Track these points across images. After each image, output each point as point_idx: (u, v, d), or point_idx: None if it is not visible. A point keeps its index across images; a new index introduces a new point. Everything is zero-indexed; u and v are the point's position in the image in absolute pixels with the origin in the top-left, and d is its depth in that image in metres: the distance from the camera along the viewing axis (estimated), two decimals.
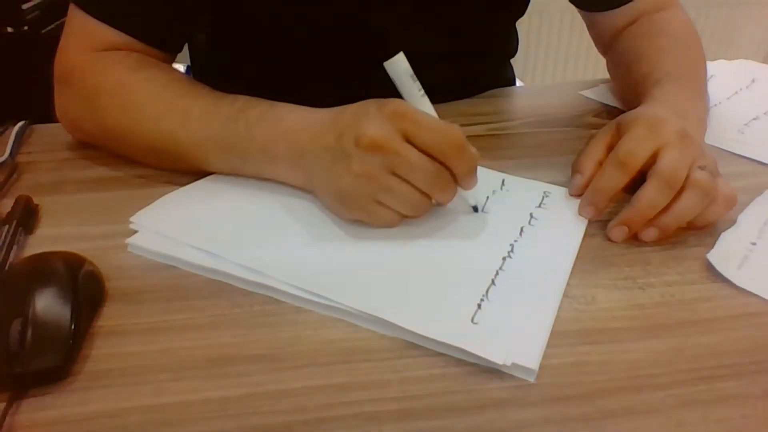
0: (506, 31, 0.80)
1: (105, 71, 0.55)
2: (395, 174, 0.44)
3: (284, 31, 0.66)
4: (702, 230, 0.49)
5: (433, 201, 0.47)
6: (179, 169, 0.54)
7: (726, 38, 1.92)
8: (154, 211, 0.49)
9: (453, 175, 0.45)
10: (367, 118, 0.43)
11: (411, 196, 0.45)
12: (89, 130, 0.58)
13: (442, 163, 0.44)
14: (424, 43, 0.68)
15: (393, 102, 0.44)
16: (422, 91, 0.46)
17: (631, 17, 0.69)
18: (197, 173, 0.53)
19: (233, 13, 0.69)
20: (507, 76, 0.86)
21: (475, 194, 0.49)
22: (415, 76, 0.45)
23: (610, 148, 0.50)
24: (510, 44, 0.82)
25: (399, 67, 0.44)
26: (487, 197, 0.52)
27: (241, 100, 0.52)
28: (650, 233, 0.47)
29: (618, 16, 0.69)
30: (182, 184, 0.53)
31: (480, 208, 0.50)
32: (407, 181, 0.44)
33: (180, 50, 0.63)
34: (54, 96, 0.58)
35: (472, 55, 0.73)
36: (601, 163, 0.51)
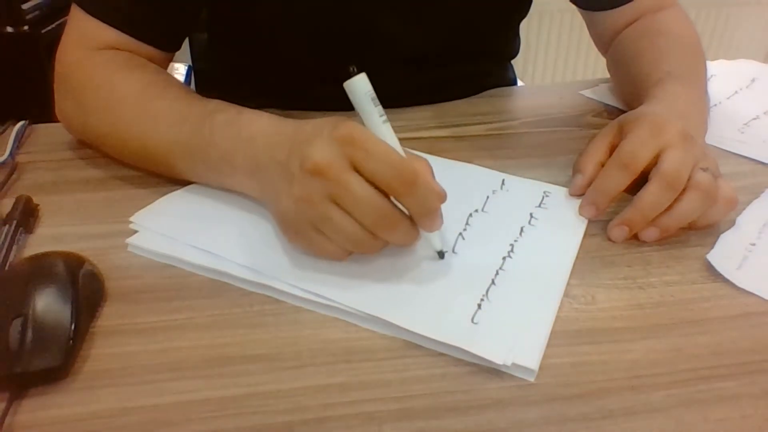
0: (508, 32, 0.80)
1: (92, 70, 0.56)
2: (336, 203, 0.40)
3: (283, 32, 0.66)
4: (702, 230, 0.49)
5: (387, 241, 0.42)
6: (155, 172, 0.54)
7: (726, 38, 1.92)
8: (154, 211, 0.49)
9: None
10: (317, 139, 0.40)
11: (351, 229, 0.40)
12: (79, 128, 0.59)
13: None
14: (426, 42, 0.68)
15: (347, 125, 0.40)
16: (384, 116, 0.41)
17: (631, 17, 0.69)
18: (174, 179, 0.53)
19: (231, 13, 0.69)
20: (508, 77, 0.86)
21: (442, 236, 0.45)
22: (377, 99, 0.41)
23: (612, 148, 0.50)
24: (511, 45, 0.82)
25: (359, 88, 0.40)
26: (487, 197, 0.52)
27: (212, 105, 0.51)
28: (651, 233, 0.47)
29: (618, 15, 0.69)
30: (182, 185, 0.52)
31: (446, 253, 0.45)
32: (349, 210, 0.40)
33: (178, 48, 0.63)
34: (54, 95, 0.58)
35: (473, 56, 0.73)
36: (602, 164, 0.51)
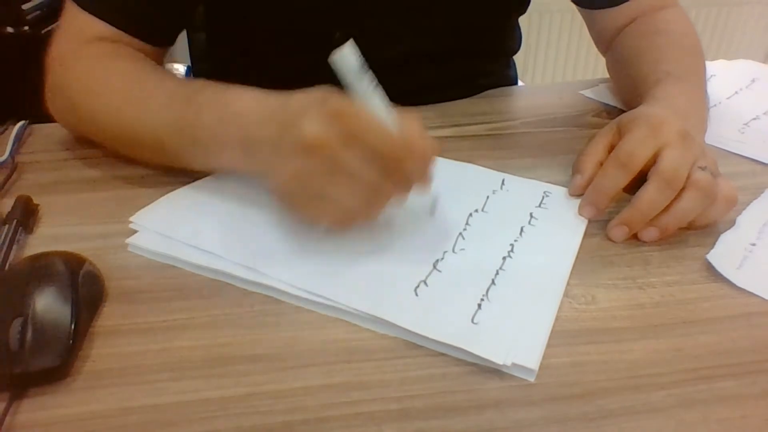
0: (508, 29, 0.80)
1: (81, 60, 0.56)
2: (332, 177, 0.41)
3: (281, 31, 0.66)
4: (702, 230, 0.49)
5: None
6: (143, 159, 0.55)
7: (726, 38, 1.92)
8: (154, 211, 0.49)
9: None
10: (308, 116, 0.41)
11: (347, 202, 0.42)
12: (68, 119, 0.59)
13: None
14: (427, 42, 0.68)
15: (335, 100, 0.41)
16: (374, 83, 0.42)
17: (630, 16, 0.69)
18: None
19: (229, 12, 0.69)
20: (510, 74, 0.86)
21: (433, 196, 0.47)
22: (365, 68, 0.41)
23: (611, 148, 0.51)
24: (512, 41, 0.82)
25: (347, 58, 0.40)
26: (487, 197, 0.52)
27: (198, 84, 0.51)
28: (651, 233, 0.47)
29: (618, 14, 0.69)
30: (182, 184, 0.53)
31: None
32: (345, 185, 0.41)
33: (171, 44, 0.63)
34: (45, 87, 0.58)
35: (473, 54, 0.73)
36: (601, 164, 0.51)
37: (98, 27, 0.57)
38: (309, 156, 0.41)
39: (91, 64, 0.55)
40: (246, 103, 0.47)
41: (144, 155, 0.54)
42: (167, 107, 0.51)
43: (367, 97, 0.41)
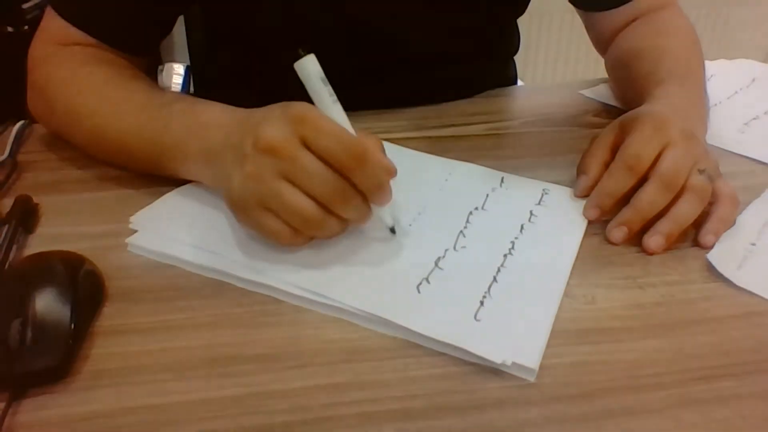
0: (507, 30, 0.80)
1: (58, 64, 0.56)
2: (288, 180, 0.40)
3: (284, 33, 0.66)
4: (703, 230, 0.48)
5: (347, 220, 0.43)
6: (113, 163, 0.55)
7: (726, 38, 1.92)
8: (154, 211, 0.49)
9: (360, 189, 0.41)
10: (269, 120, 0.41)
11: (302, 204, 0.40)
12: (47, 120, 0.60)
13: (346, 176, 0.40)
14: (427, 44, 0.68)
15: (298, 105, 0.41)
16: (334, 96, 0.42)
17: (630, 17, 0.69)
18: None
19: (228, 13, 0.69)
20: (510, 74, 0.86)
21: (392, 213, 0.46)
22: (326, 80, 0.42)
23: (614, 148, 0.50)
24: (512, 42, 0.82)
25: (309, 69, 0.41)
26: (487, 195, 0.52)
27: (171, 95, 0.52)
28: (657, 241, 0.46)
29: (617, 16, 0.69)
30: (182, 184, 0.52)
31: (398, 230, 0.46)
32: (302, 190, 0.40)
33: (149, 54, 0.63)
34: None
35: (474, 55, 0.73)
36: (606, 164, 0.51)
37: (73, 33, 0.57)
38: (264, 157, 0.40)
39: (72, 67, 0.56)
40: (214, 115, 0.48)
41: (113, 159, 0.55)
42: (138, 114, 0.51)
43: (328, 107, 0.42)
